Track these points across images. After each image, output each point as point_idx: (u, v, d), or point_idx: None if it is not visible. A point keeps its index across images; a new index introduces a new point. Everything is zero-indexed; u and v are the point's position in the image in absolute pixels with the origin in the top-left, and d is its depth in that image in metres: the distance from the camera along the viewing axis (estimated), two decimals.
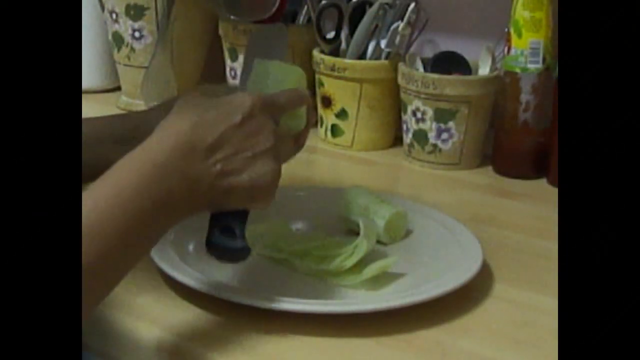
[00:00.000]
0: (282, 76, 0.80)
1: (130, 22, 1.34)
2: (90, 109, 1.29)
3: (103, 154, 0.86)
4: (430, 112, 1.13)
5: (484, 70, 1.16)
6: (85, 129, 0.84)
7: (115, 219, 0.65)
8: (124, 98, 1.40)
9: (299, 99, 0.79)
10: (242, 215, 0.75)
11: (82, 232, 0.62)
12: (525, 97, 1.10)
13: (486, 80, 1.13)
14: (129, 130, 0.87)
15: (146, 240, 0.69)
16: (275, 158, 0.74)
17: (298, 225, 0.95)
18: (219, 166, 0.71)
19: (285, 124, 0.78)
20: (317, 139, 1.26)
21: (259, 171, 0.73)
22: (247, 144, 0.72)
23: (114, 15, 1.35)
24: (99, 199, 0.65)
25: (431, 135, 1.15)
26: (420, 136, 1.16)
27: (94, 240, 0.63)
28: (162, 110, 0.88)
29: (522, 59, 1.09)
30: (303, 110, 0.80)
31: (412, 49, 1.21)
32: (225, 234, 0.74)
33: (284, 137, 0.78)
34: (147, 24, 1.34)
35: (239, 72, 1.29)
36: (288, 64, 0.81)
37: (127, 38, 1.36)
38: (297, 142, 0.81)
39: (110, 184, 0.66)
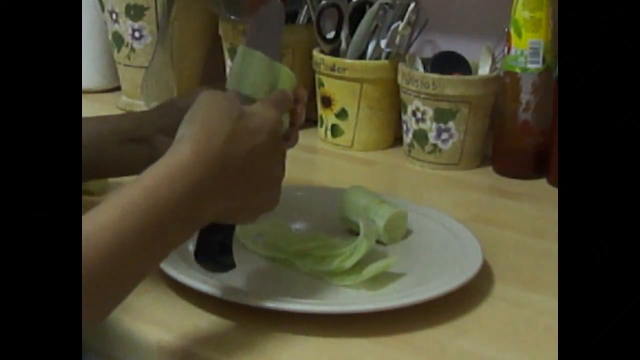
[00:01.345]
0: (264, 71, 0.78)
1: (130, 22, 1.34)
2: (90, 109, 1.29)
3: (106, 153, 0.86)
4: (430, 112, 1.13)
5: (484, 70, 1.16)
6: (88, 127, 0.84)
7: (144, 226, 0.65)
8: (124, 98, 1.40)
9: (288, 103, 0.79)
10: (231, 230, 0.76)
11: (110, 235, 0.62)
12: (525, 97, 1.10)
13: (486, 80, 1.13)
14: (132, 130, 0.87)
15: (165, 248, 0.69)
16: (280, 185, 0.76)
17: (298, 225, 0.95)
18: (240, 187, 0.72)
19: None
20: (317, 139, 1.26)
21: (266, 197, 0.74)
22: (261, 165, 0.73)
23: (114, 15, 1.35)
24: (131, 205, 0.65)
25: (431, 135, 1.15)
26: (420, 136, 1.16)
27: (121, 244, 0.63)
28: (164, 111, 0.87)
29: (522, 59, 1.09)
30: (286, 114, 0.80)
31: (412, 49, 1.21)
32: (216, 247, 0.75)
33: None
34: (147, 24, 1.34)
35: None
36: (273, 60, 0.80)
37: (127, 38, 1.36)
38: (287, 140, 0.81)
39: (144, 191, 0.66)
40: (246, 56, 0.79)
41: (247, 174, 0.72)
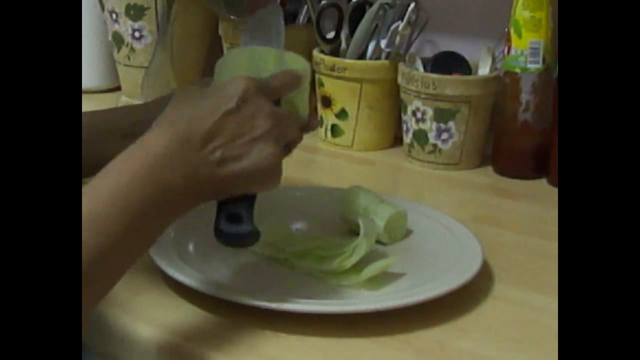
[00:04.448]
0: (242, 60, 0.78)
1: (130, 22, 1.34)
2: (91, 109, 1.29)
3: (106, 147, 0.85)
4: (430, 112, 1.13)
5: (484, 70, 1.16)
6: (88, 122, 0.84)
7: (116, 211, 0.65)
8: (124, 98, 1.40)
9: (293, 81, 0.78)
10: (248, 200, 0.75)
11: (83, 225, 0.62)
12: (525, 97, 1.10)
13: (486, 80, 1.13)
14: (133, 124, 0.86)
15: (148, 234, 0.69)
16: (275, 140, 0.74)
17: (298, 225, 0.95)
18: (217, 154, 0.71)
19: (286, 108, 0.78)
20: (317, 139, 1.26)
21: (259, 154, 0.72)
22: (243, 128, 0.72)
23: (114, 15, 1.35)
24: (100, 192, 0.65)
25: (431, 135, 1.15)
26: (420, 136, 1.16)
27: (96, 233, 0.63)
28: (163, 104, 0.87)
29: (522, 59, 1.09)
30: (301, 94, 0.79)
31: (412, 49, 1.21)
32: (232, 220, 0.74)
33: (286, 119, 0.77)
34: (147, 24, 1.34)
35: None
36: (256, 48, 0.79)
37: (127, 38, 1.36)
38: (304, 128, 0.81)
39: (110, 177, 0.66)
40: (222, 62, 0.79)
41: (223, 142, 0.71)
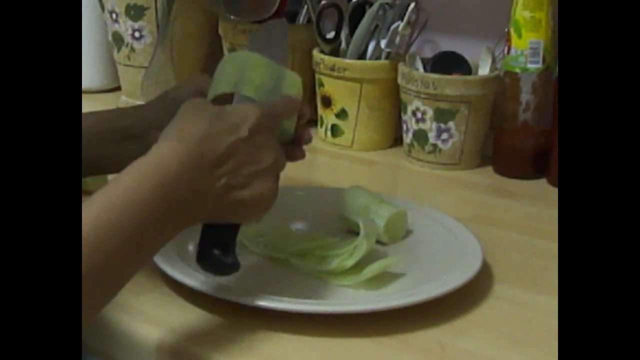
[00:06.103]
0: (236, 66, 0.78)
1: (130, 22, 1.34)
2: (90, 109, 1.28)
3: (98, 149, 0.85)
4: (430, 112, 1.13)
5: (484, 70, 1.16)
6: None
7: (124, 225, 0.65)
8: (124, 98, 1.40)
9: (293, 108, 0.78)
10: (234, 230, 0.76)
11: (91, 235, 0.62)
12: (525, 97, 1.10)
13: (486, 80, 1.13)
14: (125, 127, 0.86)
15: (150, 248, 0.69)
16: (276, 176, 0.75)
17: (298, 225, 0.95)
18: (224, 180, 0.71)
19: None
20: (317, 139, 1.26)
21: (260, 188, 0.73)
22: (250, 159, 0.72)
23: (114, 15, 1.35)
24: (110, 205, 0.65)
25: (431, 135, 1.15)
26: (420, 136, 1.16)
27: (102, 244, 0.63)
28: (157, 106, 0.87)
29: (522, 59, 1.09)
30: (292, 119, 0.79)
31: (412, 49, 1.21)
32: (217, 248, 0.75)
33: (282, 154, 0.77)
34: (147, 24, 1.34)
35: None
36: (267, 59, 0.79)
37: (127, 38, 1.36)
38: (298, 141, 0.81)
39: (121, 191, 0.66)
40: (223, 62, 0.79)
41: (231, 169, 0.71)
